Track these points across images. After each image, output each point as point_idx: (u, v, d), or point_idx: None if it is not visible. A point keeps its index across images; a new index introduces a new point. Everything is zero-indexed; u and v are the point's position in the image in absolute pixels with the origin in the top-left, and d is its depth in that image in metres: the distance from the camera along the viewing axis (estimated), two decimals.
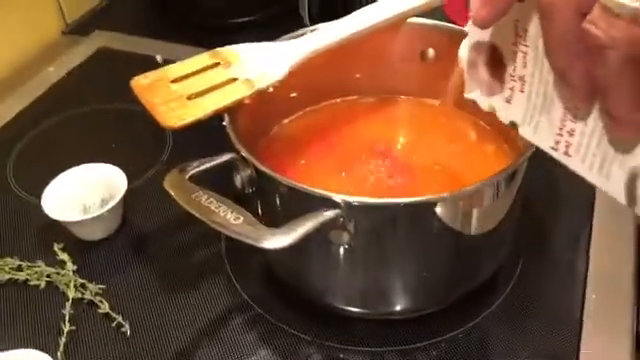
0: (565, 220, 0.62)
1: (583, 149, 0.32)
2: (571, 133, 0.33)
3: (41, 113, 0.77)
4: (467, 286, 0.52)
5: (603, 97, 0.29)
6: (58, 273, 0.57)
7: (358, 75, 0.62)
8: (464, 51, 0.38)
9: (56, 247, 0.59)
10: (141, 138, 0.74)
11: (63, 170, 0.62)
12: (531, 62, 0.34)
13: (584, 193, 0.62)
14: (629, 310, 0.52)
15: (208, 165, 0.46)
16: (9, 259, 0.58)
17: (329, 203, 0.42)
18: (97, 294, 0.55)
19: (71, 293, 0.55)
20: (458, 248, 0.48)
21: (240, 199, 0.44)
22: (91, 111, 0.77)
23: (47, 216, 0.58)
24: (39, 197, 0.63)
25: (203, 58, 0.53)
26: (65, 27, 0.92)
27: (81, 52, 0.87)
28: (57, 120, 0.76)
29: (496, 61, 0.36)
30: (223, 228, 0.40)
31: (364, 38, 0.56)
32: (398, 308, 0.52)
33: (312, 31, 0.56)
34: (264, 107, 0.54)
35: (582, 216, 0.61)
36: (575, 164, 0.33)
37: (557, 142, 0.34)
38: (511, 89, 0.36)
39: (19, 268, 0.58)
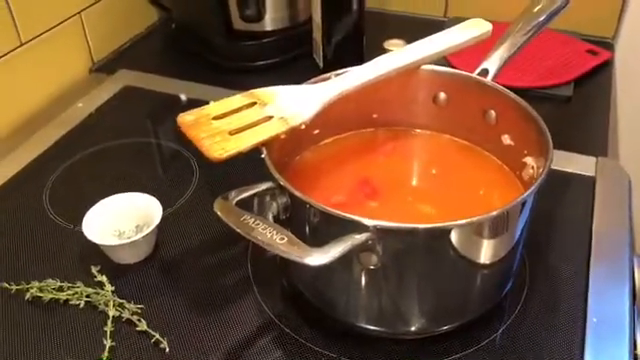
0: (566, 240, 0.67)
1: None
2: None
3: (73, 146, 0.81)
4: (481, 308, 0.57)
5: None
6: (97, 293, 0.61)
7: (375, 115, 0.68)
8: None
9: (94, 270, 0.63)
10: (169, 170, 0.79)
11: (96, 199, 0.66)
12: None
13: (582, 219, 0.69)
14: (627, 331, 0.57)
15: (248, 193, 0.51)
16: (51, 280, 0.62)
17: (360, 227, 0.47)
18: (135, 313, 0.59)
19: (111, 312, 0.59)
20: (473, 272, 0.53)
21: None
22: (120, 145, 0.82)
23: (84, 241, 0.62)
24: (75, 224, 0.68)
25: (240, 98, 0.58)
26: (92, 65, 0.98)
27: (107, 89, 0.92)
28: (89, 152, 0.80)
29: None
30: (270, 247, 0.44)
31: (383, 81, 0.62)
32: (414, 328, 0.56)
33: (336, 75, 0.62)
34: (289, 141, 0.59)
35: (582, 237, 0.67)
36: None
37: None
38: None
39: (60, 289, 0.61)
